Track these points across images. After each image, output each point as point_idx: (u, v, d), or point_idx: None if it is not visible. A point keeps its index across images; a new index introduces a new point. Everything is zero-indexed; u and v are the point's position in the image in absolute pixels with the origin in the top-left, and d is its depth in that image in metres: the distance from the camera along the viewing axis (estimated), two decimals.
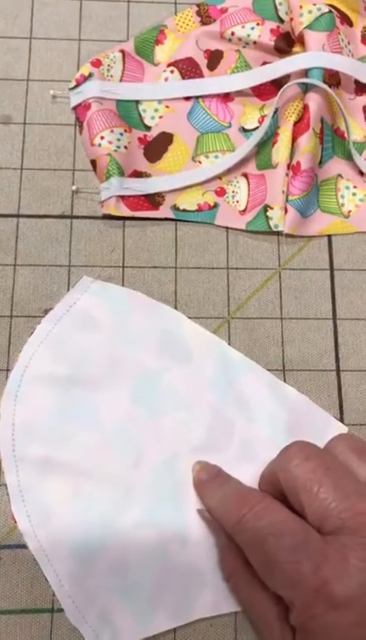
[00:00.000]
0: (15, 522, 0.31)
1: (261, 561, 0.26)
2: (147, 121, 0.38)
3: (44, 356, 0.34)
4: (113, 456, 0.32)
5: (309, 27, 0.37)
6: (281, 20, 0.38)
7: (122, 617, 0.30)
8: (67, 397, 0.33)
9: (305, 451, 0.28)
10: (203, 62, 0.39)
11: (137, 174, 0.37)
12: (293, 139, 0.36)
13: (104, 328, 0.34)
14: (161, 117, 0.38)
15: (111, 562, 0.31)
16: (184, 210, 0.37)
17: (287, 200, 0.36)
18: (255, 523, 0.26)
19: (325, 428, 0.33)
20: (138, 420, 0.33)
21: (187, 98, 0.39)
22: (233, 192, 0.37)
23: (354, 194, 0.38)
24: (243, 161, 0.37)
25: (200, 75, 0.39)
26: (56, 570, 0.31)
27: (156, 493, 0.32)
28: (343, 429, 0.34)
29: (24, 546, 0.31)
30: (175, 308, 0.35)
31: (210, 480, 0.31)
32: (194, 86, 0.39)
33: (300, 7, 0.38)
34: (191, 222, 0.37)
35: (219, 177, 0.38)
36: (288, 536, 0.25)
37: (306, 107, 0.36)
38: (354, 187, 0.38)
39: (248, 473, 0.32)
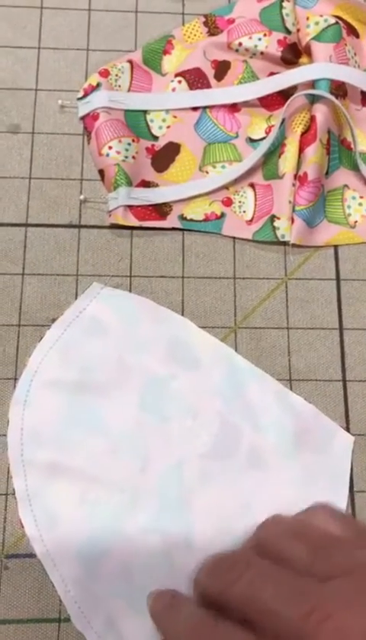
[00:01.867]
0: (22, 527, 0.31)
1: None
2: (155, 131, 0.38)
3: (53, 361, 0.34)
4: (120, 461, 0.32)
5: (316, 38, 0.37)
6: (288, 31, 0.38)
7: (127, 623, 0.30)
8: (75, 402, 0.33)
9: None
10: (210, 73, 0.39)
11: (145, 184, 0.37)
12: (300, 150, 0.36)
13: (113, 334, 0.34)
14: (168, 127, 0.39)
15: (117, 568, 0.31)
16: (191, 220, 0.37)
17: (293, 210, 0.36)
18: None
19: (331, 437, 0.34)
20: (145, 426, 0.33)
21: (195, 108, 0.39)
22: (240, 202, 0.38)
23: (360, 204, 0.38)
24: (250, 172, 0.38)
25: (208, 86, 0.39)
26: (63, 575, 0.31)
27: (163, 499, 0.32)
28: (349, 439, 0.34)
29: (31, 555, 0.31)
30: None
31: (165, 609, 0.29)
32: (202, 96, 0.39)
33: (307, 18, 0.38)
34: (198, 231, 0.37)
35: (226, 187, 0.38)
36: None
37: (313, 118, 0.36)
38: (361, 197, 0.38)
39: (254, 480, 0.32)
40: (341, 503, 0.33)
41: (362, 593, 0.22)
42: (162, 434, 0.33)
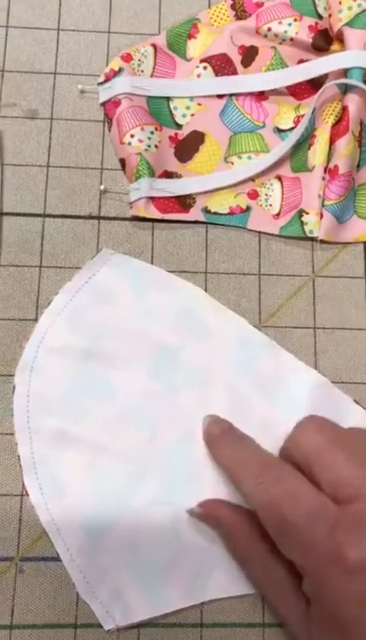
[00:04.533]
0: (27, 494, 0.31)
1: (275, 526, 0.26)
2: (178, 119, 0.37)
3: (61, 327, 0.33)
4: (128, 430, 0.32)
5: (349, 24, 0.36)
6: (320, 17, 0.37)
7: (133, 594, 0.30)
8: (83, 369, 0.32)
9: (317, 423, 0.29)
10: (237, 59, 0.37)
11: (167, 175, 0.36)
12: (331, 142, 0.35)
13: (123, 302, 0.33)
14: (192, 115, 0.37)
15: (124, 538, 0.30)
16: (215, 213, 0.35)
17: (322, 205, 0.35)
18: (273, 487, 0.26)
19: (346, 412, 0.33)
20: (155, 395, 0.32)
21: (220, 96, 0.37)
22: (266, 195, 0.36)
23: None
24: (277, 163, 0.36)
25: (234, 72, 0.37)
26: (67, 544, 0.30)
27: (171, 470, 0.31)
28: (363, 413, 0.33)
29: (46, 559, 0.31)
30: None
31: (222, 434, 0.31)
32: (228, 83, 0.37)
33: (340, 3, 0.36)
34: (222, 225, 0.36)
35: (251, 179, 0.36)
36: (304, 501, 0.25)
37: (345, 109, 0.35)
38: None
39: None
40: None
41: None
42: (172, 404, 0.32)
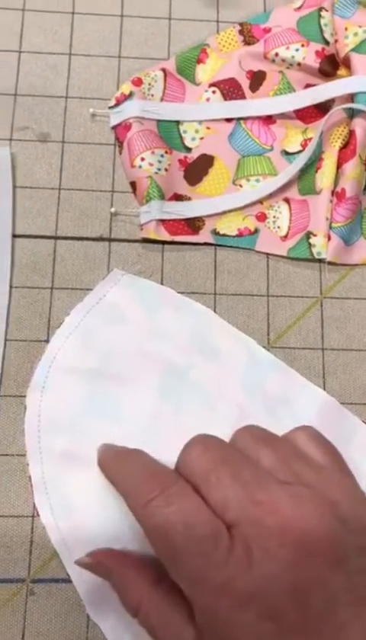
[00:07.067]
0: (38, 515, 0.31)
1: (165, 553, 0.24)
2: (188, 142, 0.37)
3: (72, 347, 0.33)
4: None
5: (356, 49, 0.36)
6: (327, 42, 0.37)
7: None
8: (94, 390, 0.33)
9: (203, 443, 0.27)
10: (245, 83, 0.38)
11: (177, 198, 0.36)
12: (339, 165, 0.35)
13: (133, 322, 0.34)
14: (202, 139, 0.38)
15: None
16: (224, 235, 0.36)
17: (330, 227, 0.35)
18: (164, 508, 0.24)
19: (353, 432, 0.33)
20: (163, 415, 0.33)
21: (229, 120, 0.38)
22: (274, 217, 0.37)
23: None
24: (285, 186, 0.37)
25: (242, 96, 0.38)
26: None
27: None
28: None
29: (58, 580, 0.31)
30: None
31: (115, 454, 0.30)
32: (236, 107, 0.38)
33: (346, 29, 0.37)
34: (231, 247, 0.36)
35: (260, 201, 0.37)
36: (197, 527, 0.24)
37: (352, 133, 0.35)
38: None
39: None
40: None
41: (315, 501, 0.23)
42: (180, 424, 0.32)
